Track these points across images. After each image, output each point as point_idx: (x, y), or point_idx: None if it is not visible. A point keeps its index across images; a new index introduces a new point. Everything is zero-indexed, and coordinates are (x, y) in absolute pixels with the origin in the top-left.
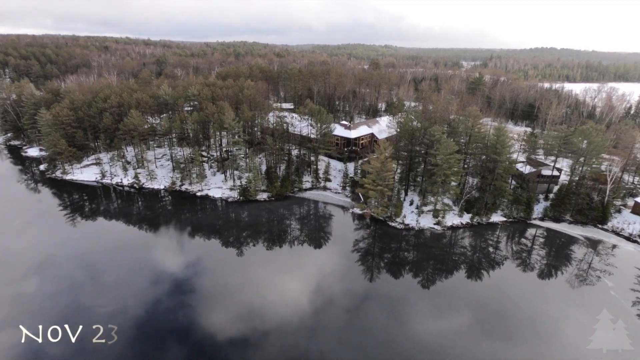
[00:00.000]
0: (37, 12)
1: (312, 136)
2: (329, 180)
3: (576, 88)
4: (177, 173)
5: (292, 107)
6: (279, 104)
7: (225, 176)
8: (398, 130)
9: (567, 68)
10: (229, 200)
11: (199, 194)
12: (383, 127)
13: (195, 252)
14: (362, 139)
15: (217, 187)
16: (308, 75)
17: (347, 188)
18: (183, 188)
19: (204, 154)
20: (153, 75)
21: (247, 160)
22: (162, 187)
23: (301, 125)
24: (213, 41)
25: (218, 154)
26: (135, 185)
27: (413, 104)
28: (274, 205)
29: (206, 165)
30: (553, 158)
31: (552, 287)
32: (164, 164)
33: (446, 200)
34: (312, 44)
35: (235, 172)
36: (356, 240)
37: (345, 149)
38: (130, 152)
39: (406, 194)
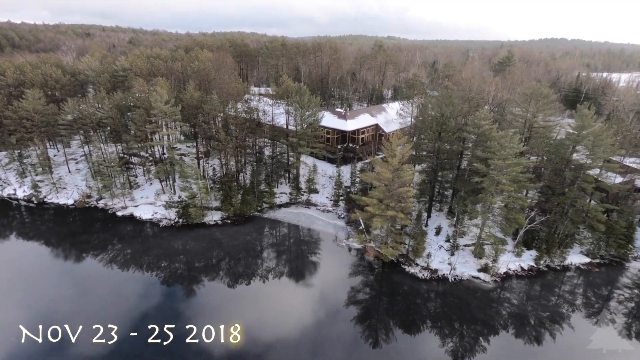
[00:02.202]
0: (34, 4)
1: (292, 128)
2: (315, 192)
3: (615, 77)
4: (98, 181)
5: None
6: (256, 89)
7: (163, 187)
8: (418, 117)
9: (587, 56)
10: (160, 224)
11: (120, 212)
12: (392, 116)
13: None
14: (363, 132)
15: (148, 202)
16: (294, 50)
17: (341, 204)
18: (101, 203)
19: (141, 153)
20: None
21: (191, 162)
22: (70, 201)
23: (273, 112)
24: (210, 32)
25: (152, 154)
26: (33, 198)
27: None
28: (228, 232)
29: (141, 171)
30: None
31: None
32: (82, 167)
33: (497, 232)
34: (313, 36)
35: (179, 182)
36: (350, 297)
37: (339, 147)
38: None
39: (429, 216)
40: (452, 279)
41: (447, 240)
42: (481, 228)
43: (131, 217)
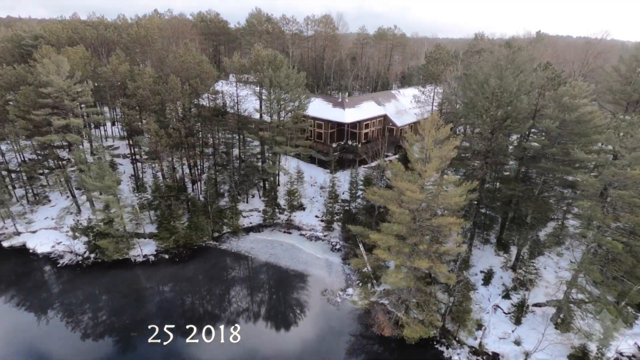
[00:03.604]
0: (31, 1)
1: (266, 119)
2: (300, 209)
3: None
4: None
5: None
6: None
7: (78, 203)
8: (448, 99)
9: None
10: (61, 261)
11: (7, 242)
12: (405, 105)
13: None
14: (367, 126)
15: (51, 227)
16: (280, 29)
17: (336, 226)
18: None
19: (59, 154)
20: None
21: (104, 165)
22: None
23: (238, 94)
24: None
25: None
26: None
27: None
28: (160, 275)
29: (56, 180)
30: None
31: None
32: None
33: (589, 285)
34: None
35: (97, 201)
36: None
37: (334, 145)
38: None
39: (470, 249)
40: None
41: (506, 295)
42: (571, 282)
43: (22, 250)
